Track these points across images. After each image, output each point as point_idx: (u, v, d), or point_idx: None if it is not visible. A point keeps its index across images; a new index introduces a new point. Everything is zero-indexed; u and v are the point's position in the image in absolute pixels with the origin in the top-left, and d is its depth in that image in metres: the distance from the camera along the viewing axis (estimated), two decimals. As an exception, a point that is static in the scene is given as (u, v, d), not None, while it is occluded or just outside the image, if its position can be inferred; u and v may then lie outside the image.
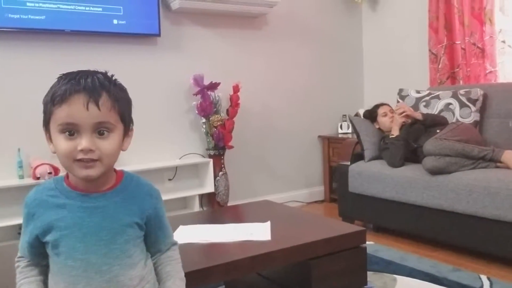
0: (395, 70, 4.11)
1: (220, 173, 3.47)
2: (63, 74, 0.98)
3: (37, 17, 2.85)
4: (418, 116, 2.94)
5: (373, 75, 4.37)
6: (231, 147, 3.48)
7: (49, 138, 0.99)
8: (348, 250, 1.70)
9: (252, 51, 3.81)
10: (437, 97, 3.12)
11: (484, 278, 2.17)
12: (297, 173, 4.09)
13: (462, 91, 3.01)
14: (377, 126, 3.16)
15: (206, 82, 3.40)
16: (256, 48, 3.83)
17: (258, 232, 1.70)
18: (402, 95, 3.35)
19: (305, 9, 4.08)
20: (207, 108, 3.37)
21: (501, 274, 2.24)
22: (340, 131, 4.19)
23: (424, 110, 3.13)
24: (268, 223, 1.81)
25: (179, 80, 3.45)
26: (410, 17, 3.95)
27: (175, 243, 1.16)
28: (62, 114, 0.94)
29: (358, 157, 3.17)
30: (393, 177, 2.78)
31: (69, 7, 2.94)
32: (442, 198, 2.51)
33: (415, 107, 3.17)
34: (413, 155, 2.85)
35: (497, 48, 3.31)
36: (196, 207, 3.40)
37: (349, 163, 3.17)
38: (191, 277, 1.16)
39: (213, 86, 3.40)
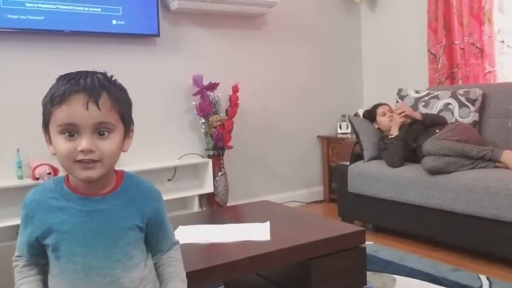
0: (394, 70, 4.12)
1: (220, 173, 3.47)
2: (62, 75, 0.97)
3: (36, 18, 2.85)
4: (417, 116, 2.94)
5: (372, 75, 4.37)
6: (230, 147, 3.48)
7: (49, 140, 0.98)
8: (347, 250, 1.70)
9: (251, 52, 3.81)
10: (436, 97, 3.12)
11: (483, 278, 2.17)
12: (296, 173, 4.09)
13: (461, 91, 3.01)
14: (376, 126, 3.17)
15: (205, 82, 3.40)
16: (255, 48, 3.83)
17: (258, 232, 1.70)
18: (401, 95, 3.35)
19: (304, 9, 4.08)
20: (206, 109, 3.37)
21: (500, 274, 2.24)
22: (339, 131, 4.19)
23: (423, 110, 3.13)
24: (268, 223, 1.81)
25: (178, 80, 3.45)
26: (409, 17, 3.95)
27: (176, 243, 1.15)
28: (61, 114, 0.93)
29: (357, 157, 3.17)
30: (393, 177, 2.78)
31: (68, 7, 2.94)
32: (442, 198, 2.52)
33: (414, 107, 3.17)
34: (412, 155, 2.85)
35: (496, 48, 3.31)
36: (196, 208, 3.40)
37: (348, 163, 3.17)
38: (190, 277, 1.16)
39: (212, 86, 3.40)
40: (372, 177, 2.91)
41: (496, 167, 2.52)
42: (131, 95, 1.05)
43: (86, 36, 3.10)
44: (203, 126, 3.46)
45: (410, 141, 2.88)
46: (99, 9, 3.04)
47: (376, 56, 4.32)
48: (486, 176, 2.38)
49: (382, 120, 3.11)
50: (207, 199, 3.56)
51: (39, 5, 2.85)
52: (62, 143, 0.94)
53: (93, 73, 0.98)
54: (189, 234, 1.71)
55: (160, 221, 1.09)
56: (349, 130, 4.08)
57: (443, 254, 2.57)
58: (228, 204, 3.50)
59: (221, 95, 3.47)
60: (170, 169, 3.42)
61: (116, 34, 3.16)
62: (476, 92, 2.95)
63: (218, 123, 3.40)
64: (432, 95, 3.16)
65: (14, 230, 2.75)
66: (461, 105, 2.96)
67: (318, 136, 4.20)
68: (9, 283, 1.07)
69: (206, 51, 3.59)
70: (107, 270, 0.98)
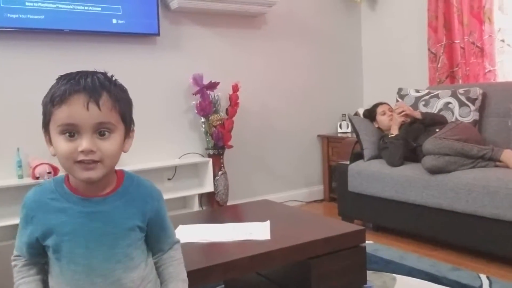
0: (394, 69, 4.11)
1: (220, 172, 3.47)
2: (62, 75, 0.97)
3: (36, 17, 2.85)
4: (417, 115, 2.94)
5: (373, 74, 4.37)
6: (231, 146, 3.48)
7: (49, 141, 0.97)
8: (347, 249, 1.70)
9: (251, 51, 3.81)
10: (436, 96, 3.12)
11: (483, 277, 2.17)
12: (296, 173, 4.09)
13: (461, 90, 3.01)
14: (376, 125, 3.17)
15: (205, 81, 3.39)
16: (255, 48, 3.83)
17: (258, 231, 1.70)
18: (401, 94, 3.35)
19: (304, 8, 4.08)
20: (206, 108, 3.37)
21: (500, 273, 2.24)
22: (339, 130, 4.19)
23: (424, 109, 3.13)
24: (268, 223, 1.81)
25: (178, 79, 3.45)
26: (409, 17, 3.95)
27: (177, 242, 1.15)
28: (62, 115, 0.92)
29: (357, 156, 3.17)
30: (393, 176, 2.78)
31: (68, 6, 2.94)
32: (442, 197, 2.52)
33: (415, 106, 3.17)
34: (412, 154, 2.85)
35: (496, 47, 3.31)
36: (196, 207, 3.40)
37: (348, 162, 3.17)
38: (190, 276, 1.16)
39: (212, 85, 3.40)
40: (372, 176, 2.91)
41: (496, 166, 2.52)
42: (131, 94, 1.05)
43: (86, 35, 3.10)
44: (203, 125, 3.45)
45: (410, 140, 2.88)
46: (99, 8, 3.04)
47: (376, 55, 4.31)
48: (486, 175, 2.38)
49: (382, 119, 3.10)
50: (207, 199, 3.56)
51: (39, 4, 2.85)
52: (62, 144, 0.93)
53: (94, 73, 0.97)
54: (189, 234, 1.71)
55: (161, 221, 1.08)
56: (349, 130, 4.08)
57: (443, 253, 2.57)
58: (228, 204, 3.50)
59: (221, 94, 3.47)
60: (170, 168, 3.42)
61: (116, 33, 3.16)
62: (476, 91, 2.95)
63: (218, 122, 3.40)
64: (432, 94, 3.16)
65: (14, 230, 2.72)
66: (461, 104, 2.96)
67: (318, 135, 4.20)
68: (10, 283, 1.07)
69: (206, 50, 3.58)
70: (108, 271, 0.97)
